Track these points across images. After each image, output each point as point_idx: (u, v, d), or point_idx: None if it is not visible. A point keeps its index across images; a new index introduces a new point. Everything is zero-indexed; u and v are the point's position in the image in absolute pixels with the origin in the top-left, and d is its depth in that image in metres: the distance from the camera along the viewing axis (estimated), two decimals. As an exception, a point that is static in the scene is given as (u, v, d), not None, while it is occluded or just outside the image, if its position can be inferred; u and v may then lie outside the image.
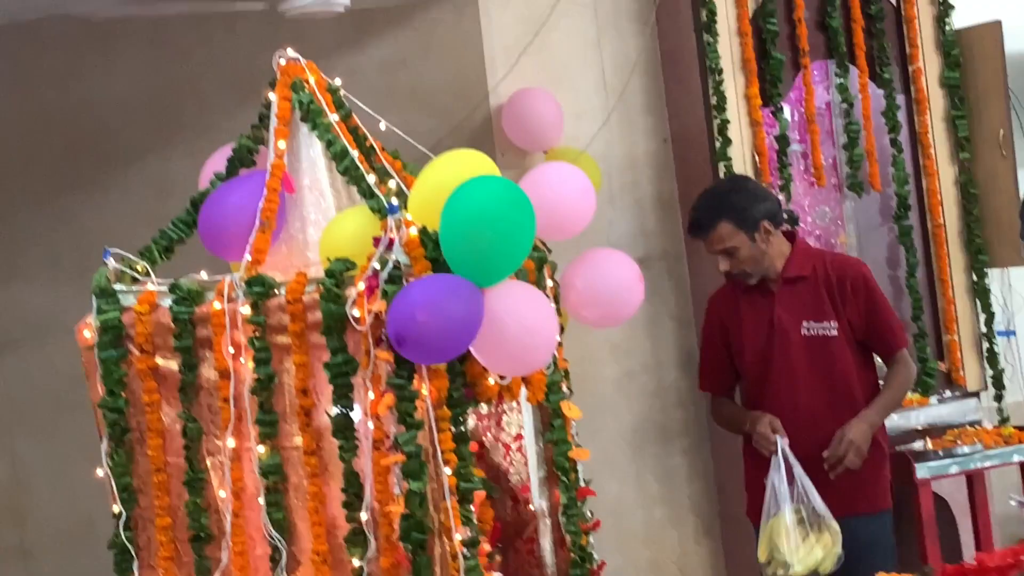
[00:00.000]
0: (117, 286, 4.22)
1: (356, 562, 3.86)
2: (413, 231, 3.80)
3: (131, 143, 6.36)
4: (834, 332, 4.82)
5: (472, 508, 3.86)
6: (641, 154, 6.09)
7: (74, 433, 5.03)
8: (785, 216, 5.08)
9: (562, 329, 4.29)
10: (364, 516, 3.85)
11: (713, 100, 5.83)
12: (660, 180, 6.08)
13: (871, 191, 6.24)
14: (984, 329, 6.42)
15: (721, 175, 5.79)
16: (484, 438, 4.51)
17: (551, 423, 4.31)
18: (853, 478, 4.76)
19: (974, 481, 5.94)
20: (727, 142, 5.82)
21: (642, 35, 6.05)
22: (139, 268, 4.25)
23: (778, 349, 4.84)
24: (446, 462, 3.80)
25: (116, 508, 4.26)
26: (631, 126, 6.07)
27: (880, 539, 4.85)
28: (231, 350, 4.02)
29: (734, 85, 5.87)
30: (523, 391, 4.12)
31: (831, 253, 5.27)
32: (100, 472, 4.27)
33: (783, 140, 5.99)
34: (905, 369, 4.89)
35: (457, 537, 3.80)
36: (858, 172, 6.18)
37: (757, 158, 5.90)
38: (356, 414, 3.89)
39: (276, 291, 3.98)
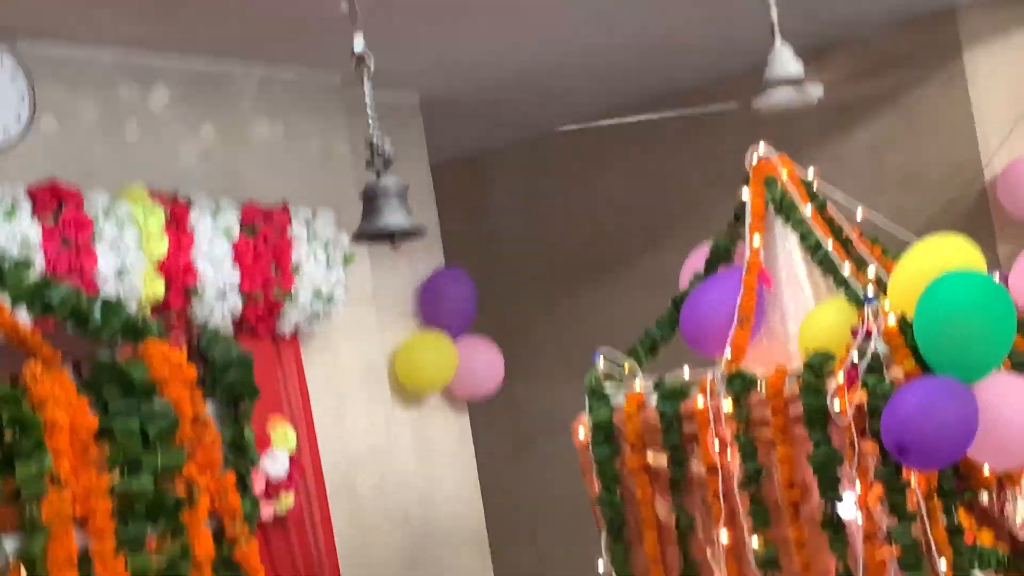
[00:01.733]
0: (607, 385, 4.39)
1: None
2: (891, 320, 3.74)
3: (625, 243, 6.62)
4: None
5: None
6: None
7: (589, 527, 5.17)
8: None
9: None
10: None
11: None
12: None
13: None
14: None
15: None
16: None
17: (1058, 509, 4.08)
18: None
19: None
20: None
21: None
22: (626, 367, 4.40)
23: None
24: (940, 555, 3.69)
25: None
26: None
27: None
28: (716, 446, 4.08)
29: None
30: (1024, 478, 3.94)
31: None
32: (601, 565, 4.42)
33: None
34: None
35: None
36: None
37: None
38: (846, 507, 3.85)
39: (756, 386, 4.02)
